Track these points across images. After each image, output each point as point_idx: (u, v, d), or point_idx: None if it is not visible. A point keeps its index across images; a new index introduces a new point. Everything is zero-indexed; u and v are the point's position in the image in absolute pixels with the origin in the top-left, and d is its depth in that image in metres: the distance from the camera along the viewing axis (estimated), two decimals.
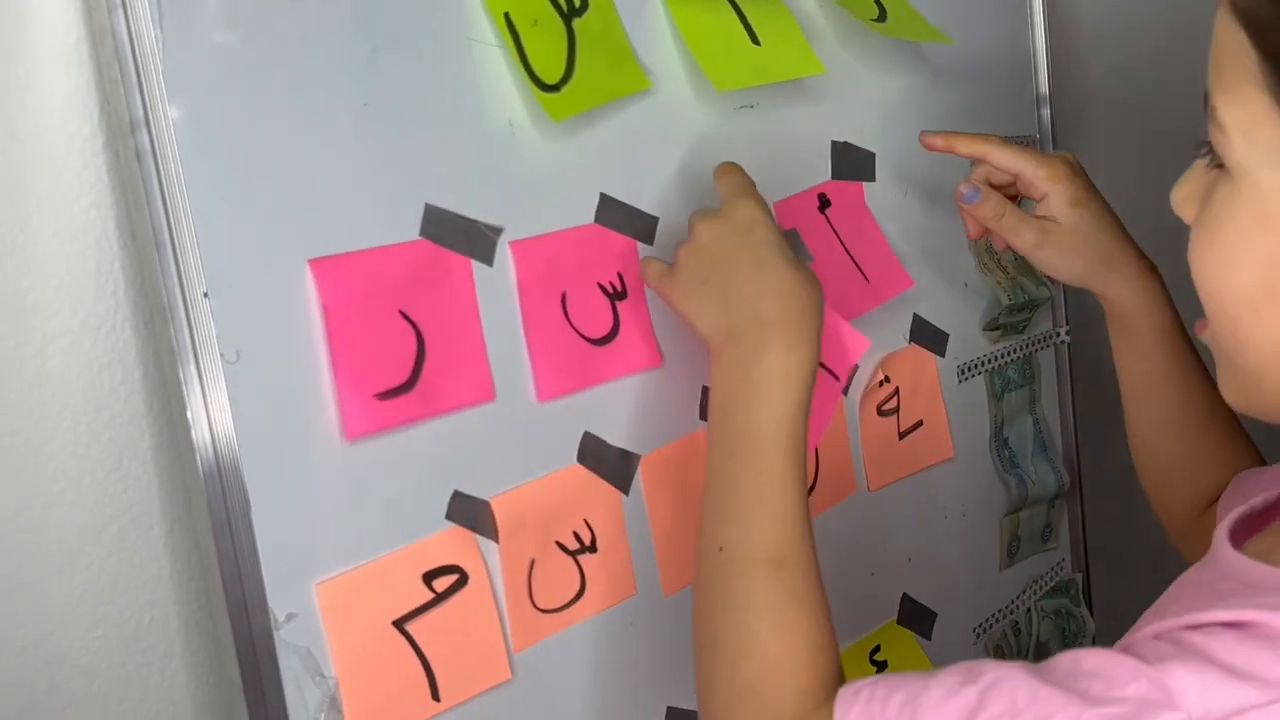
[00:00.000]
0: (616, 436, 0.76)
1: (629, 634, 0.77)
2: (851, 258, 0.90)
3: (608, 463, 0.75)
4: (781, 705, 0.60)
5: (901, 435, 0.97)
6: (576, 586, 0.74)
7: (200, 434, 0.59)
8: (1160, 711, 0.47)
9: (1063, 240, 0.79)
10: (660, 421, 0.78)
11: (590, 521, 0.74)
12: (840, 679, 0.62)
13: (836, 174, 0.90)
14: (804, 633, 0.62)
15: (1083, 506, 1.18)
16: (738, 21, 0.79)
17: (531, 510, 0.71)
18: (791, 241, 0.74)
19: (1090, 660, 0.51)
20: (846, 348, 0.81)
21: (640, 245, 0.76)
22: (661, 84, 0.77)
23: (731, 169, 0.74)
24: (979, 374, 1.05)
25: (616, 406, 0.76)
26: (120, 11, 0.55)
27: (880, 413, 0.95)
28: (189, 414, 0.58)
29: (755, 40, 0.79)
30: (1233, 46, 0.50)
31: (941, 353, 1.00)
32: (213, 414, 0.59)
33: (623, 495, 0.76)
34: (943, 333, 1.00)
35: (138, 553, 0.63)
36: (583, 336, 0.73)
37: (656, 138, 0.77)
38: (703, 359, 0.78)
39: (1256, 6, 0.49)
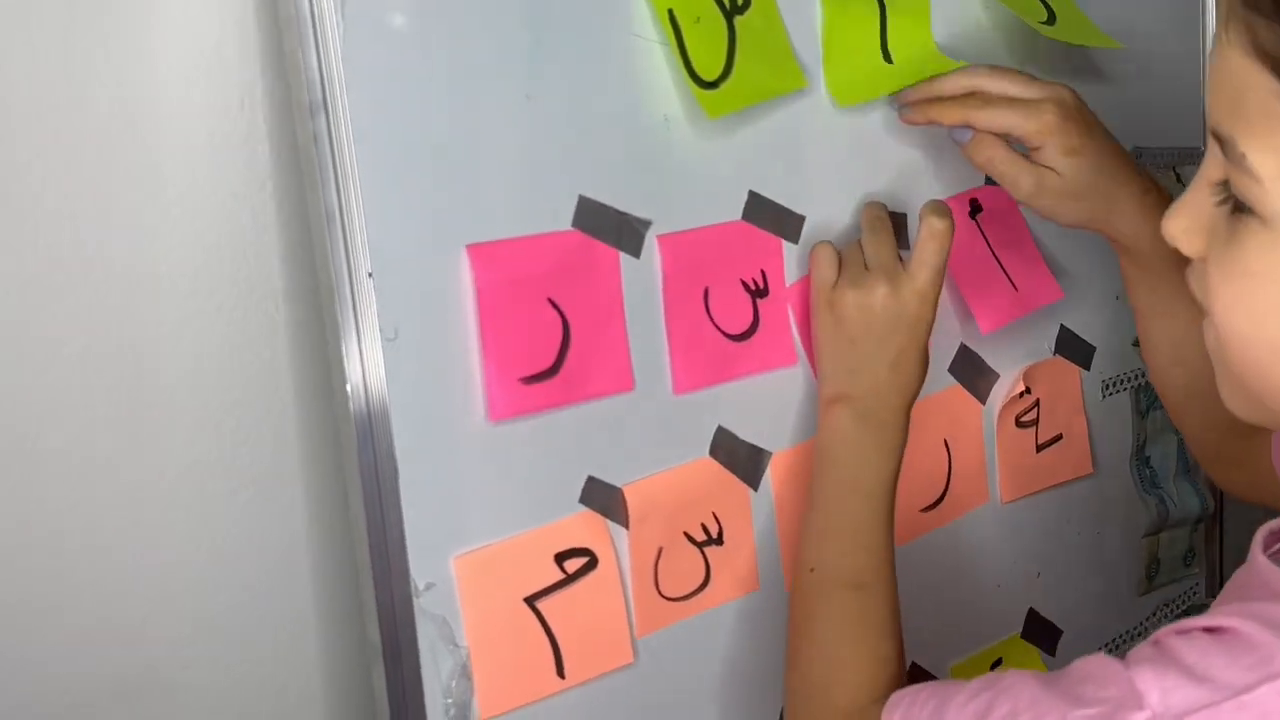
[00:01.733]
0: (749, 432, 0.76)
1: (752, 627, 0.78)
2: (1000, 265, 0.88)
3: (739, 458, 0.76)
4: (841, 701, 0.68)
5: (1039, 448, 0.95)
6: (701, 577, 0.75)
7: (357, 406, 0.61)
8: (1131, 711, 0.51)
9: (1061, 187, 0.76)
10: (793, 420, 0.78)
11: (718, 514, 0.75)
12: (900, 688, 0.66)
13: (991, 179, 0.88)
14: (870, 645, 0.70)
15: (1221, 530, 1.14)
16: (877, 35, 0.78)
17: (662, 499, 0.72)
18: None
19: (1087, 666, 0.55)
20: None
21: (785, 244, 0.77)
22: (818, 82, 0.77)
23: (944, 236, 0.74)
24: (1125, 389, 1.02)
25: (751, 403, 0.76)
26: (307, 21, 0.57)
27: (1019, 424, 0.93)
28: (348, 387, 0.61)
29: (888, 58, 0.78)
30: (1260, 92, 0.48)
31: (1087, 366, 0.98)
32: (370, 388, 0.62)
33: (751, 491, 0.77)
34: (1089, 345, 0.98)
35: (277, 516, 0.67)
36: (722, 331, 0.74)
37: (809, 137, 0.77)
38: None
39: None
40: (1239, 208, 0.52)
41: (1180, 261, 0.76)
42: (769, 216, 0.76)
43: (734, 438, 0.76)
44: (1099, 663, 0.54)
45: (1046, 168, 0.76)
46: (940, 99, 0.78)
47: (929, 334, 0.74)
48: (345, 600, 0.68)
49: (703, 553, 0.75)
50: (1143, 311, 0.81)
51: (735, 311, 0.75)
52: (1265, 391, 0.55)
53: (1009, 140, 0.77)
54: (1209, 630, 0.52)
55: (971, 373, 0.89)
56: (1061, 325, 0.95)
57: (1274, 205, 0.50)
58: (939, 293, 0.74)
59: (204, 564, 0.65)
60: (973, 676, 0.82)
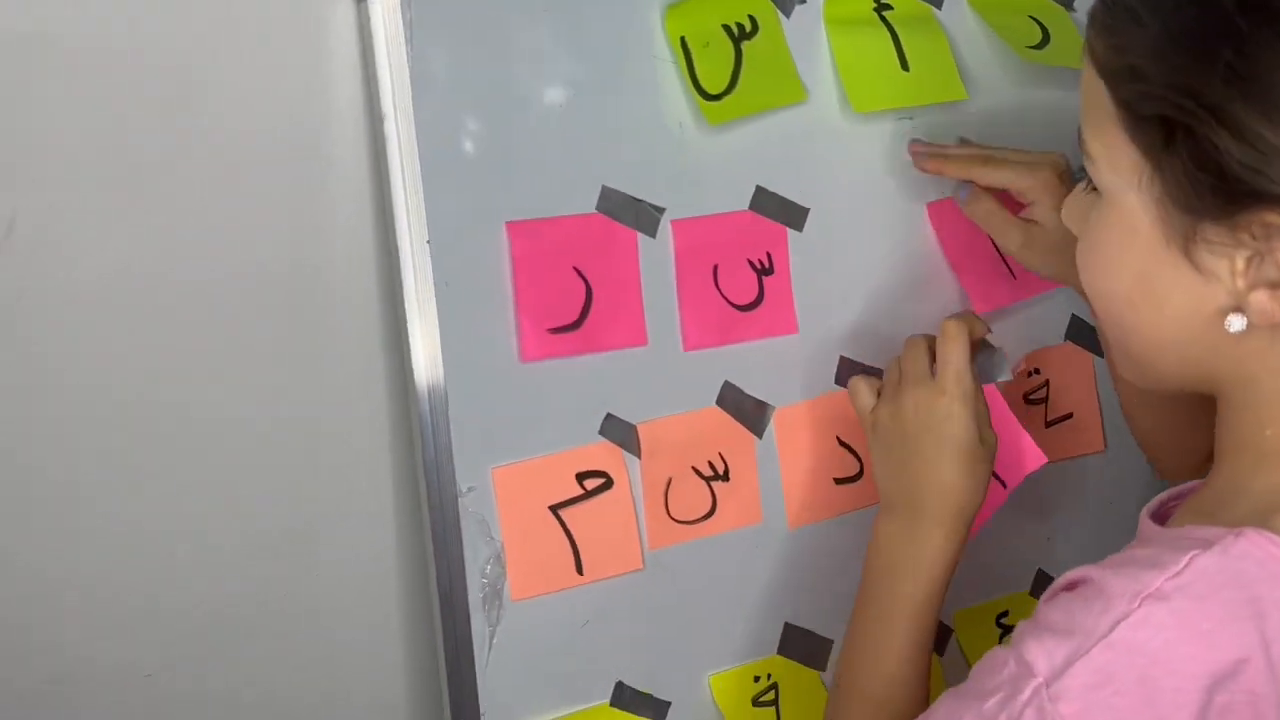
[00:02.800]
0: (754, 388, 0.91)
1: (754, 554, 0.92)
2: (1001, 256, 1.00)
3: (744, 409, 0.90)
4: None
5: (1048, 424, 1.05)
6: (708, 506, 0.90)
7: (416, 348, 0.80)
8: (1026, 682, 0.57)
9: (1045, 241, 0.85)
10: (795, 381, 0.92)
11: (725, 455, 0.90)
12: None
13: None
14: None
15: None
16: (891, 47, 0.91)
17: (672, 437, 0.88)
18: (994, 360, 0.86)
19: (980, 664, 0.62)
20: (1023, 459, 0.87)
21: (789, 231, 0.91)
22: (821, 96, 0.91)
23: (958, 337, 0.81)
24: None
25: (756, 363, 0.90)
26: (382, 34, 0.76)
27: (1027, 401, 1.04)
28: (410, 331, 0.79)
29: (905, 66, 0.91)
30: (1094, 90, 0.61)
31: (1100, 353, 1.07)
32: (426, 333, 0.80)
33: (756, 438, 0.91)
34: None
35: (372, 434, 0.86)
36: (729, 302, 0.89)
37: (813, 141, 0.91)
38: (839, 332, 0.92)
39: (1108, 59, 0.61)
40: (1094, 188, 0.65)
41: None
42: (775, 207, 0.90)
43: (740, 391, 0.90)
44: (988, 656, 0.62)
45: (1035, 223, 0.86)
46: (947, 156, 0.88)
47: (964, 432, 0.79)
48: (411, 500, 0.86)
49: (709, 486, 0.90)
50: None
51: (742, 286, 0.90)
52: (1123, 342, 0.66)
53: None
54: (1068, 587, 0.60)
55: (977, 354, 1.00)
56: (1073, 315, 1.05)
57: (1101, 178, 0.63)
58: (965, 390, 0.80)
59: (306, 467, 0.85)
60: (978, 625, 0.94)
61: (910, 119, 0.95)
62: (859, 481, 0.95)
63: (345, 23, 0.80)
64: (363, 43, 0.79)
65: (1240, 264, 0.59)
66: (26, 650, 0.79)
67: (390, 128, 0.77)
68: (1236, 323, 0.60)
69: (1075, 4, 1.01)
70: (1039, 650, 0.58)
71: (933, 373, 0.82)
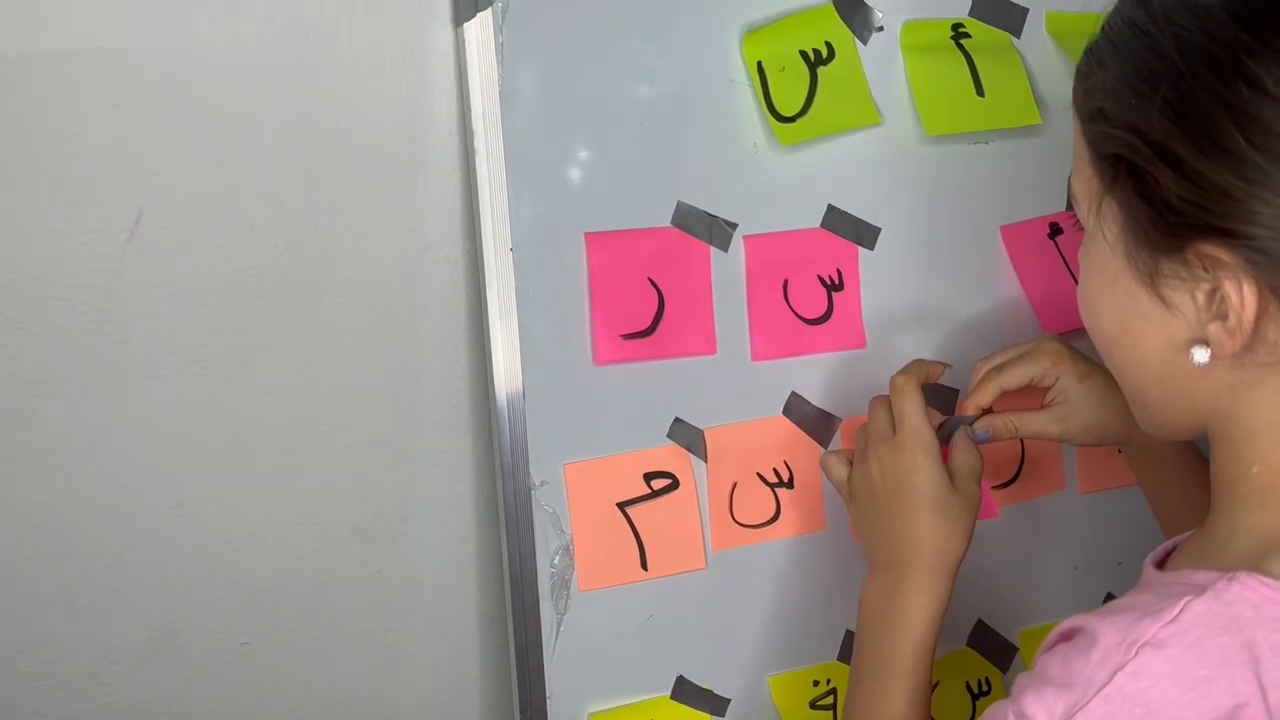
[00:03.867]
0: (820, 399, 0.94)
1: (816, 561, 0.95)
2: (1075, 280, 1.01)
3: (810, 419, 0.94)
4: None
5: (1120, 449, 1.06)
6: (772, 511, 0.93)
7: (497, 347, 0.85)
8: None
9: (1081, 415, 0.85)
10: (862, 394, 0.94)
11: (790, 463, 0.93)
12: None
13: (1070, 208, 1.01)
14: None
15: None
16: (967, 73, 0.94)
17: (738, 444, 0.91)
18: (966, 429, 0.86)
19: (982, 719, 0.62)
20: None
21: (860, 249, 0.94)
22: (895, 119, 0.94)
23: (906, 390, 0.82)
24: None
25: (823, 375, 0.94)
26: (475, 56, 0.82)
27: None
28: (491, 331, 0.85)
29: (980, 91, 0.94)
30: (1076, 134, 0.65)
31: None
32: (507, 335, 0.85)
33: (821, 448, 0.94)
34: None
35: (455, 428, 0.92)
36: (798, 316, 0.93)
37: (886, 163, 0.94)
38: (908, 349, 0.95)
39: (1081, 104, 0.64)
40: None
41: (1189, 463, 0.87)
42: (846, 226, 0.94)
43: (806, 402, 0.94)
44: (988, 712, 0.61)
45: (1063, 403, 0.85)
46: (983, 408, 0.87)
47: (930, 482, 0.80)
48: (489, 491, 0.92)
49: (774, 492, 0.93)
50: (1151, 495, 0.91)
51: (812, 301, 0.93)
52: (1118, 382, 0.68)
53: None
54: (1065, 637, 0.61)
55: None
56: None
57: (1083, 218, 0.66)
58: (925, 442, 0.80)
59: (393, 456, 0.91)
60: (1038, 644, 0.95)
61: (986, 143, 0.97)
62: None
63: (444, 45, 0.86)
64: (458, 63, 0.85)
65: (1202, 298, 0.60)
66: (130, 619, 0.86)
67: (480, 142, 0.83)
68: (1200, 355, 0.60)
69: None
70: (1038, 704, 0.58)
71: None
